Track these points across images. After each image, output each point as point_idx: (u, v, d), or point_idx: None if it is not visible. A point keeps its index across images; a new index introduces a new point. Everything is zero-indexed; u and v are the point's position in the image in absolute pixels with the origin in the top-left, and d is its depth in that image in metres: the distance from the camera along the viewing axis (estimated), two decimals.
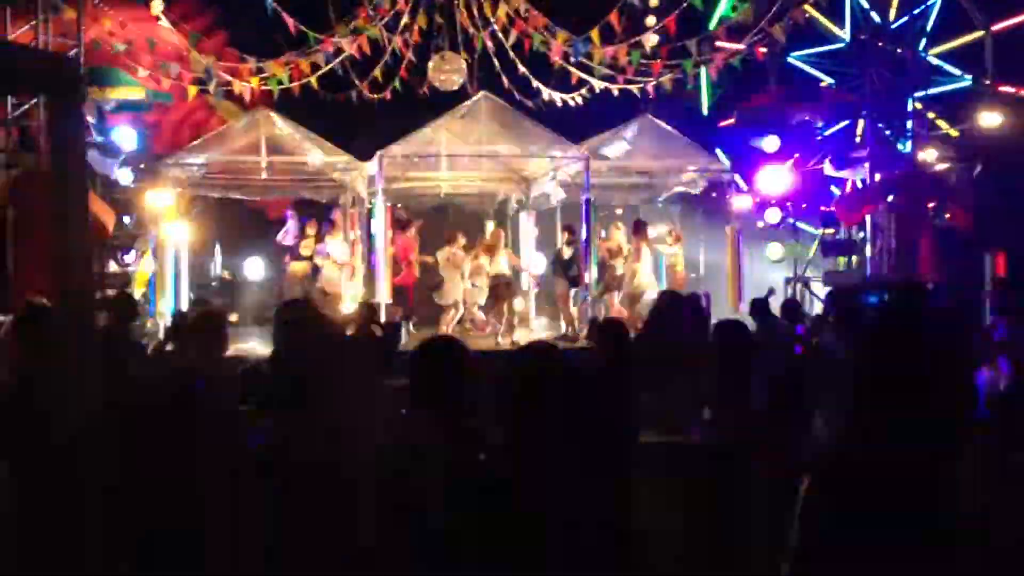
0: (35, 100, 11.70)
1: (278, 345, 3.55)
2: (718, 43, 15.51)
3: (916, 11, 18.03)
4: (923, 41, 18.40)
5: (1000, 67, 18.37)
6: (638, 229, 14.42)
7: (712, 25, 16.64)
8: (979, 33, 18.50)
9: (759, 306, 10.13)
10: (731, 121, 18.99)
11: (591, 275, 14.01)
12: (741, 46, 15.31)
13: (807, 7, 15.59)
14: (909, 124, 17.71)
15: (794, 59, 19.60)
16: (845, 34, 19.67)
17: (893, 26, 18.13)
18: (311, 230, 15.30)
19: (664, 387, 7.74)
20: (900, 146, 17.50)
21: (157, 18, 13.91)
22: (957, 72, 19.04)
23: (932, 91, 18.62)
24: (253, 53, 15.04)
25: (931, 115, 18.75)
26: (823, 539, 2.36)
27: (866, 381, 2.38)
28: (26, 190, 8.95)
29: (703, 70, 15.83)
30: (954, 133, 18.26)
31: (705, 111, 20.41)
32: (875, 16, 18.85)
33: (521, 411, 2.50)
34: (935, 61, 18.74)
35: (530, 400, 2.50)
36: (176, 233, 14.40)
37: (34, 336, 4.68)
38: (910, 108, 17.68)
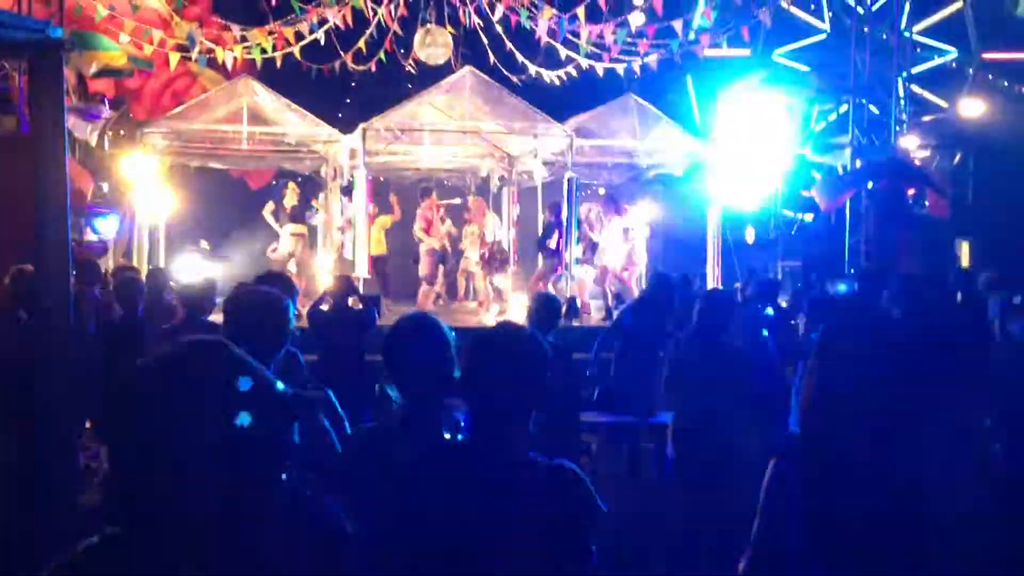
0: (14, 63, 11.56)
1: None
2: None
3: None
4: (904, 20, 18.37)
5: (983, 37, 18.50)
6: (614, 203, 14.67)
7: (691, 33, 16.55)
8: (958, 4, 18.57)
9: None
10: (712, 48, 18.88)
11: (571, 253, 14.06)
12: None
13: (785, 3, 15.60)
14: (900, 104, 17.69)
15: (779, 57, 19.65)
16: (826, 25, 19.77)
17: (873, 8, 18.15)
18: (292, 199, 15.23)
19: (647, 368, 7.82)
20: (894, 125, 17.52)
21: None
22: (942, 46, 19.12)
23: (919, 68, 18.69)
24: (237, 21, 14.89)
25: (924, 92, 18.87)
26: (787, 522, 2.40)
27: (829, 369, 2.42)
28: (3, 154, 8.85)
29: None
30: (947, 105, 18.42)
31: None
32: (852, 3, 18.94)
33: (483, 388, 2.52)
34: (919, 39, 18.78)
35: (492, 379, 2.51)
36: (154, 201, 14.29)
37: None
38: (898, 91, 17.68)
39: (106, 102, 13.08)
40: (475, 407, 2.51)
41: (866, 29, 17.52)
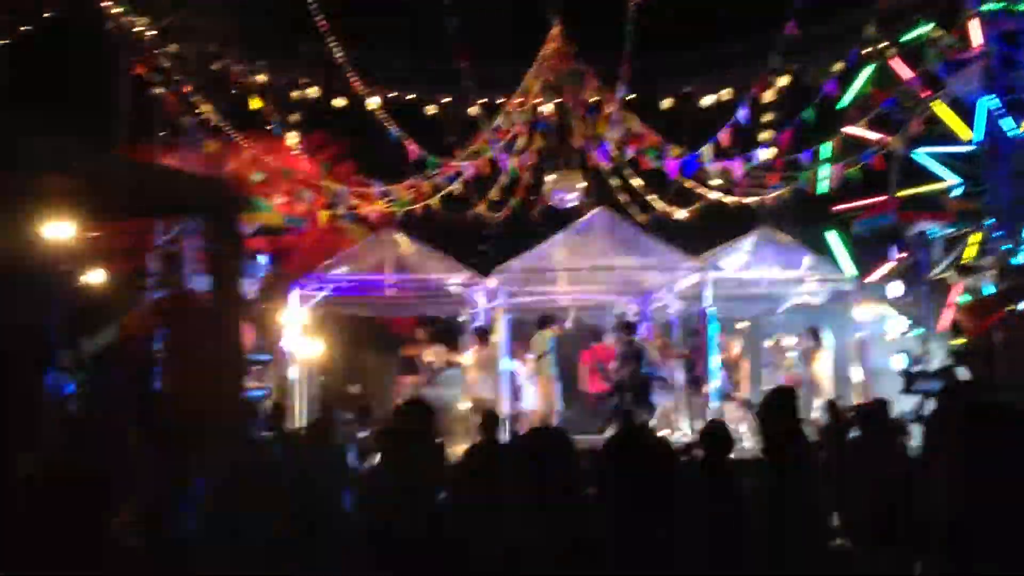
0: (180, 227, 12.54)
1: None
2: (847, 130, 15.18)
3: None
4: None
5: None
6: (814, 335, 14.84)
7: (847, 101, 16.16)
8: None
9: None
10: (845, 207, 18.62)
11: (712, 384, 13.97)
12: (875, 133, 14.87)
13: (935, 105, 15.37)
14: None
15: (918, 156, 19.06)
16: (971, 135, 19.31)
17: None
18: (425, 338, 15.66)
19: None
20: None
21: (291, 149, 14.80)
22: None
23: None
24: (379, 177, 15.75)
25: None
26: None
27: None
28: (176, 310, 9.53)
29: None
30: None
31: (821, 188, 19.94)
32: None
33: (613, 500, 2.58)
34: None
35: (622, 490, 2.57)
36: (307, 348, 14.96)
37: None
38: None
39: (263, 258, 13.95)
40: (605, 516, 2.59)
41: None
